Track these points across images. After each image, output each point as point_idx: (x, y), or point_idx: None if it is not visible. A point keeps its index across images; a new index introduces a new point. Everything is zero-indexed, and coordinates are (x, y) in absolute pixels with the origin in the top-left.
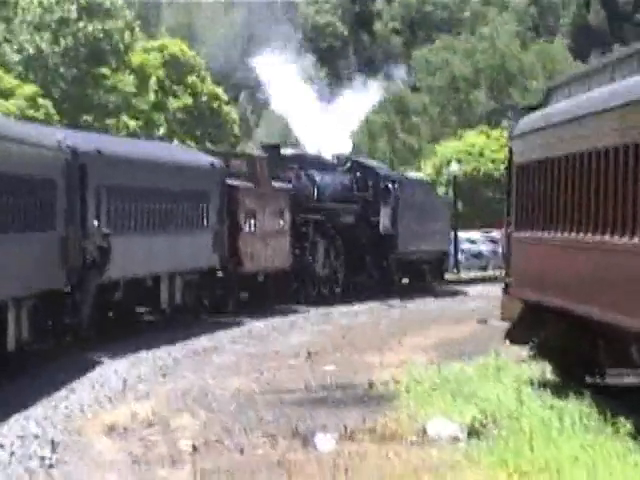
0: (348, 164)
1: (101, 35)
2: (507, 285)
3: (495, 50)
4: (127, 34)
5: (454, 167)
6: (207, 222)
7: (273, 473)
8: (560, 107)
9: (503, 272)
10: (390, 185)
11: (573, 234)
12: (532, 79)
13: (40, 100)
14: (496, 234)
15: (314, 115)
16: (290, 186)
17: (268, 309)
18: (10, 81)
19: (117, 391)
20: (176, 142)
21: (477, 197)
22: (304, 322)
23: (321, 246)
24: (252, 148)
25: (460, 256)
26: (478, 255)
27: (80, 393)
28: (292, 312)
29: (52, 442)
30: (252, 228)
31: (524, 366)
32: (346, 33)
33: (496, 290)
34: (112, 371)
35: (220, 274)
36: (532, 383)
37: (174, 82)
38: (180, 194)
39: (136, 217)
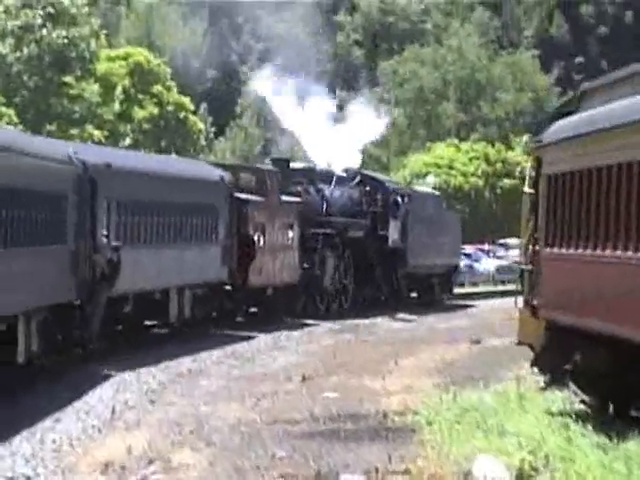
0: (357, 178)
1: (66, 42)
2: (533, 306)
3: (464, 61)
4: (92, 42)
5: (430, 180)
6: (216, 236)
7: None
8: (603, 111)
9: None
10: (399, 199)
11: (619, 251)
12: (502, 91)
13: (2, 108)
14: (469, 249)
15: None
16: (299, 200)
17: (276, 323)
18: None
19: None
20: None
21: None
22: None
23: (330, 260)
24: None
25: None
26: None
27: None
28: (302, 326)
29: None
30: (261, 242)
31: (547, 395)
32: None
33: (485, 307)
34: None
35: (228, 288)
36: (562, 414)
37: (139, 91)
38: (189, 208)
39: (145, 231)
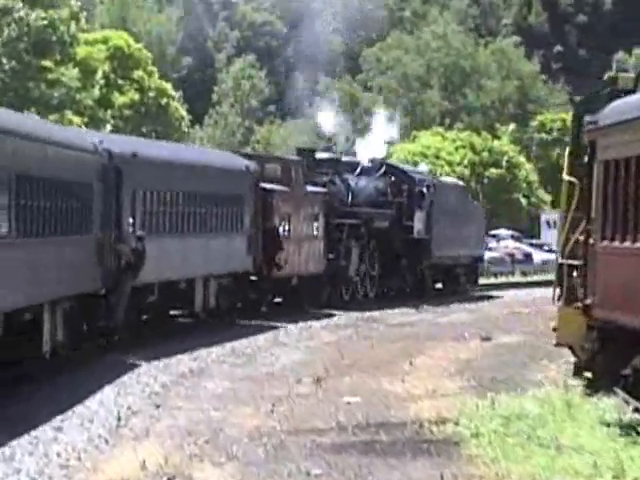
0: (383, 168)
1: (45, 24)
2: (585, 306)
3: (449, 48)
4: (72, 25)
5: (423, 168)
6: (241, 226)
7: None
8: None
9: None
10: (425, 189)
11: None
12: (487, 78)
13: None
14: None
15: None
16: (324, 190)
17: (302, 313)
18: None
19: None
20: None
21: None
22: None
23: (355, 250)
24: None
25: None
26: None
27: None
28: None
29: None
30: (286, 232)
31: (595, 401)
32: (285, 31)
33: (482, 300)
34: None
35: (253, 278)
36: (620, 426)
37: (120, 77)
38: (215, 197)
39: (171, 220)
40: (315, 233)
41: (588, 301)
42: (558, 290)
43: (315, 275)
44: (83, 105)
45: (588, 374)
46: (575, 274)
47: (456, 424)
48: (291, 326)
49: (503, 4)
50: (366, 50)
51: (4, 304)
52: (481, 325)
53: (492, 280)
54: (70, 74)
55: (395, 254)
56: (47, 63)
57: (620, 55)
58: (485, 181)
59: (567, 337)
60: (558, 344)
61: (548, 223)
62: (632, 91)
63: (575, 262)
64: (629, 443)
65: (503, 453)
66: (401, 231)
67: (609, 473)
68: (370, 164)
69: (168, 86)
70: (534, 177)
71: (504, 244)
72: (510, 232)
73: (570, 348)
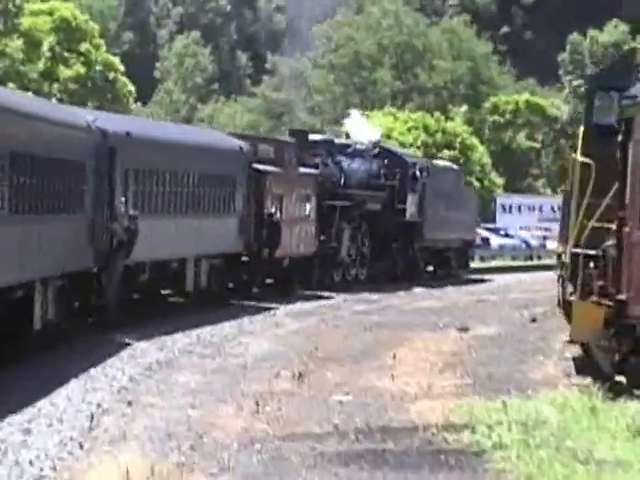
0: (376, 151)
1: None
2: (619, 301)
3: (400, 27)
4: None
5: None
6: (233, 206)
7: None
8: None
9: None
10: (418, 172)
11: None
12: (439, 58)
13: None
14: None
15: None
16: (317, 172)
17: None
18: None
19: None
20: None
21: None
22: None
23: (347, 232)
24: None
25: None
26: None
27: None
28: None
29: None
30: (278, 213)
31: (620, 406)
32: (228, 9)
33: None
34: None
35: (245, 259)
36: None
37: (66, 49)
38: (207, 178)
39: (163, 200)
40: (307, 215)
41: (622, 297)
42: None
43: (306, 256)
44: (27, 78)
45: (618, 377)
46: (592, 265)
47: (473, 431)
48: (256, 317)
49: None
50: (316, 27)
51: None
52: (452, 313)
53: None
54: (14, 45)
55: (387, 237)
56: None
57: (574, 36)
58: None
59: (583, 334)
60: (572, 341)
61: (504, 207)
62: None
63: (592, 252)
64: None
65: (539, 469)
66: (393, 214)
67: None
68: (363, 146)
69: (116, 60)
70: (487, 160)
71: None
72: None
73: (582, 347)
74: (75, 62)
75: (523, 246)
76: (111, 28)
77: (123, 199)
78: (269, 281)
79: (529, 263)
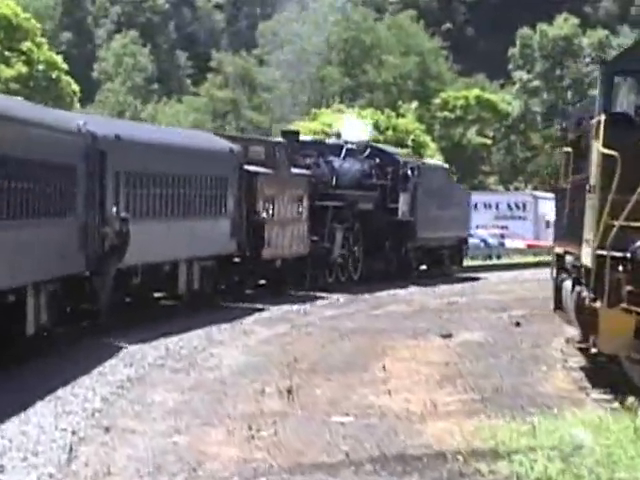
0: (367, 150)
1: None
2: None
3: (348, 22)
4: None
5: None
6: (225, 208)
7: None
8: None
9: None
10: (409, 172)
11: None
12: (388, 54)
13: None
14: None
15: None
16: (309, 173)
17: (282, 296)
18: None
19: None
20: None
21: None
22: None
23: (339, 233)
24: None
25: None
26: None
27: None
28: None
29: None
30: (270, 214)
31: None
32: (166, 8)
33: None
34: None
35: (237, 260)
36: None
37: (6, 48)
38: (199, 180)
39: (155, 203)
40: (299, 215)
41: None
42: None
43: (299, 257)
44: None
45: None
46: (620, 269)
47: (510, 460)
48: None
49: None
50: (262, 24)
51: None
52: (425, 318)
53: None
54: None
55: (379, 236)
56: None
57: (524, 30)
58: None
59: (612, 345)
60: (597, 354)
61: None
62: None
63: (620, 254)
64: None
65: None
66: (385, 213)
67: None
68: (355, 146)
69: (59, 59)
70: (438, 157)
71: None
72: None
73: (609, 357)
74: (17, 61)
75: (482, 245)
76: (48, 28)
77: (114, 202)
78: (262, 282)
79: (489, 263)
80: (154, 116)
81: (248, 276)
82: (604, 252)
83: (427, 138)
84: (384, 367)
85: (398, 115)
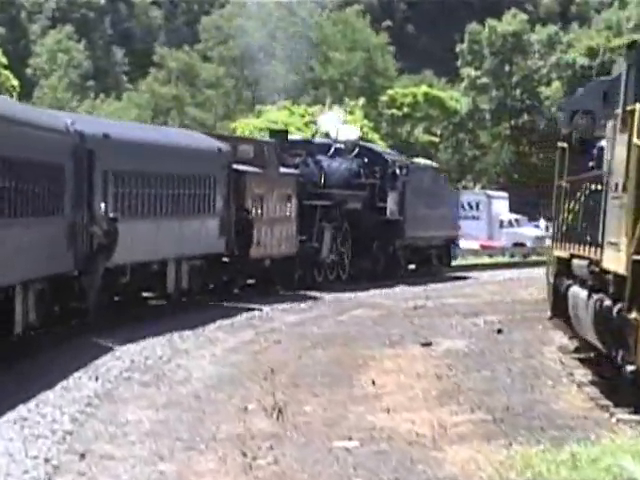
0: (356, 150)
1: None
2: None
3: (294, 17)
4: None
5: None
6: (214, 207)
7: None
8: None
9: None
10: (398, 171)
11: None
12: (334, 50)
13: None
14: None
15: None
16: (297, 172)
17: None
18: None
19: None
20: None
21: None
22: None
23: (328, 232)
24: None
25: None
26: None
27: None
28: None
29: None
30: (259, 214)
31: None
32: (102, 3)
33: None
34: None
35: (226, 259)
36: None
37: None
38: (187, 179)
39: (143, 202)
40: (288, 215)
41: None
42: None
43: (288, 256)
44: None
45: None
46: None
47: None
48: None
49: None
50: (205, 18)
51: None
52: (396, 323)
53: None
54: None
55: (368, 235)
56: None
57: (473, 26)
58: None
59: None
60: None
61: None
62: None
63: None
64: None
65: None
66: (374, 212)
67: None
68: (343, 145)
69: None
70: None
71: None
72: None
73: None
74: None
75: None
76: None
77: (103, 201)
78: (250, 282)
79: (477, 262)
80: (91, 114)
81: (237, 275)
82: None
83: (375, 136)
84: (373, 382)
85: (346, 112)
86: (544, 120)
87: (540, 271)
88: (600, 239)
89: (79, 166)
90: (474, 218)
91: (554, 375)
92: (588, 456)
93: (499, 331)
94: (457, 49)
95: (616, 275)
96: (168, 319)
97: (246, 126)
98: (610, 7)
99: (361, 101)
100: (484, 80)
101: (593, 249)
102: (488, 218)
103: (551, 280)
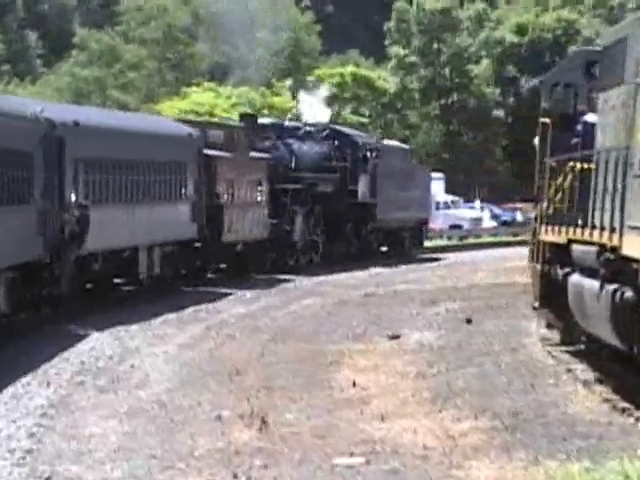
0: (326, 132)
1: None
2: None
3: None
4: None
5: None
6: (185, 193)
7: None
8: None
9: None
10: (368, 153)
11: None
12: (260, 29)
13: None
14: None
15: None
16: (268, 156)
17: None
18: None
19: None
20: None
21: None
22: None
23: (299, 215)
24: None
25: None
26: None
27: None
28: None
29: None
30: (230, 198)
31: None
32: None
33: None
34: None
35: (198, 245)
36: None
37: None
38: (158, 165)
39: (114, 189)
40: (259, 199)
41: None
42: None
43: (260, 240)
44: None
45: None
46: None
47: None
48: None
49: None
50: None
51: None
52: (352, 314)
53: None
54: None
55: (340, 218)
56: None
57: (400, 4)
58: None
59: None
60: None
61: None
62: None
63: None
64: None
65: None
66: (346, 195)
67: None
68: (313, 128)
69: None
70: None
71: None
72: None
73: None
74: None
75: None
76: None
77: (74, 189)
78: (223, 266)
79: (449, 243)
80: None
81: (209, 260)
82: None
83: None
84: (354, 383)
85: (274, 94)
86: (473, 99)
87: (482, 254)
88: (617, 223)
89: (49, 154)
90: None
91: (551, 372)
92: (621, 472)
93: (468, 321)
94: (384, 27)
95: None
96: (115, 312)
97: (171, 109)
98: None
99: (288, 82)
100: (412, 59)
101: (606, 234)
102: None
103: (538, 267)
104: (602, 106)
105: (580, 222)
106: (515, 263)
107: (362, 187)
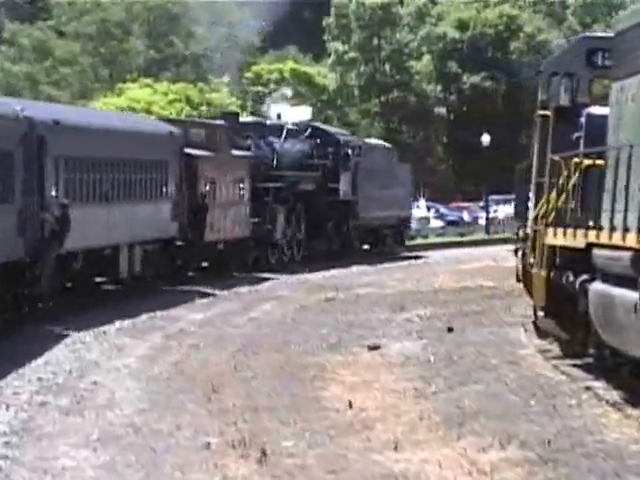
0: (308, 131)
1: None
2: None
3: None
4: None
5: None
6: (166, 191)
7: None
8: None
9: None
10: (350, 151)
11: None
12: (197, 25)
13: None
14: None
15: None
16: (250, 154)
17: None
18: None
19: None
20: None
21: None
22: None
23: (281, 214)
24: None
25: None
26: None
27: None
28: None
29: None
30: (211, 197)
31: None
32: None
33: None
34: None
35: (180, 243)
36: None
37: None
38: (139, 163)
39: (95, 187)
40: (241, 197)
41: None
42: None
43: (241, 239)
44: None
45: None
46: None
47: None
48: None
49: None
50: None
51: None
52: (321, 321)
53: None
54: None
55: (321, 216)
56: None
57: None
58: None
59: None
60: None
61: None
62: None
63: None
64: None
65: None
66: (327, 193)
67: None
68: (295, 127)
69: None
70: None
71: None
72: None
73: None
74: None
75: None
76: None
77: (54, 188)
78: (205, 265)
79: (429, 242)
80: None
81: (191, 259)
82: None
83: (243, 114)
84: (350, 404)
85: (212, 90)
86: (414, 96)
87: (436, 255)
88: None
89: (29, 153)
90: None
91: (567, 390)
92: None
93: (450, 329)
94: (324, 23)
95: None
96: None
97: (106, 105)
98: None
99: (225, 78)
100: (352, 55)
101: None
102: None
103: (543, 274)
104: (616, 96)
105: (606, 224)
106: (473, 265)
107: (343, 185)
